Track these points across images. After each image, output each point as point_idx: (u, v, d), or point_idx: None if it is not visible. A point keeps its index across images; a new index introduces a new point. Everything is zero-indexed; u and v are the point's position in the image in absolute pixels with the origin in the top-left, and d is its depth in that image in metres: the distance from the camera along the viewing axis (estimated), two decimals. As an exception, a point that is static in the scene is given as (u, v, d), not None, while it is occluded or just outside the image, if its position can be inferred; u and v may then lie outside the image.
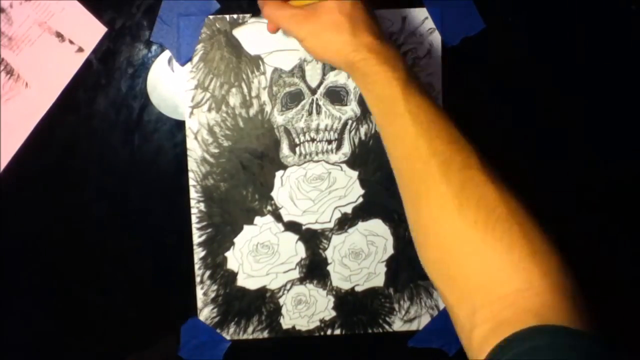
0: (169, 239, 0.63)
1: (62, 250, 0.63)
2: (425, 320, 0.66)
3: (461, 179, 0.43)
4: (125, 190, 0.62)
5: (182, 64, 0.61)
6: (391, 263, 0.65)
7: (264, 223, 0.63)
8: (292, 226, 0.64)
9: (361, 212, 0.64)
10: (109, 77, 0.61)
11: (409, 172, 0.46)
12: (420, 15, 0.62)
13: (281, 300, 0.65)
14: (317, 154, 0.63)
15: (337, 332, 0.65)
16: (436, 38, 0.62)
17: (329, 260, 0.65)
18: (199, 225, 0.63)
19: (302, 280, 0.65)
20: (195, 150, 0.62)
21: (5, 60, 0.55)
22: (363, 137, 0.63)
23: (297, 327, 0.65)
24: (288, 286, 0.64)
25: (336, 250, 0.64)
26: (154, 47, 0.61)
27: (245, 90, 0.62)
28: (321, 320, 0.65)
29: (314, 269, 0.64)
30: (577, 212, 0.65)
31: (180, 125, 0.62)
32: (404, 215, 0.64)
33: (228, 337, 0.65)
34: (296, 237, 0.64)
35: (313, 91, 0.62)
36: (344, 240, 0.64)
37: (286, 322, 0.65)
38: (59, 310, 0.63)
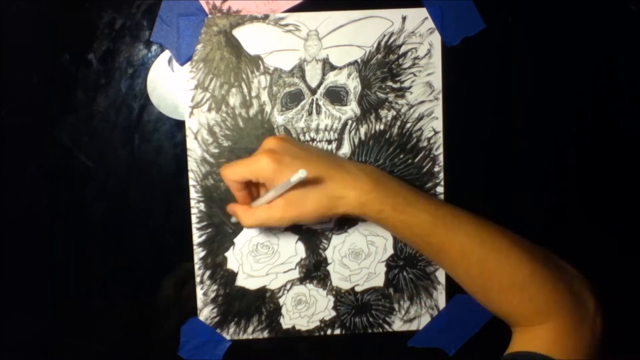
0: (169, 239, 0.63)
1: (62, 250, 0.63)
2: (425, 320, 0.66)
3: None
4: (125, 190, 0.62)
5: (182, 64, 0.61)
6: (391, 263, 0.65)
7: (264, 223, 0.63)
8: (292, 226, 0.64)
9: (361, 212, 0.64)
10: (109, 77, 0.61)
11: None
12: (420, 15, 0.62)
13: (281, 300, 0.65)
14: (317, 154, 0.63)
15: (337, 332, 0.65)
16: (436, 38, 0.62)
17: (329, 260, 0.65)
18: (199, 225, 0.63)
19: (302, 280, 0.64)
20: (195, 150, 0.62)
21: None
22: (363, 137, 0.63)
23: (297, 327, 0.65)
24: (288, 286, 0.64)
25: (336, 250, 0.64)
26: (154, 47, 0.61)
27: (245, 90, 0.62)
28: (321, 320, 0.65)
29: (314, 269, 0.64)
30: (577, 211, 0.65)
31: (180, 125, 0.62)
32: (404, 215, 0.64)
33: (228, 337, 0.65)
34: (296, 237, 0.64)
35: (313, 91, 0.62)
36: (343, 240, 0.64)
37: (286, 322, 0.65)
38: (59, 310, 0.63)
